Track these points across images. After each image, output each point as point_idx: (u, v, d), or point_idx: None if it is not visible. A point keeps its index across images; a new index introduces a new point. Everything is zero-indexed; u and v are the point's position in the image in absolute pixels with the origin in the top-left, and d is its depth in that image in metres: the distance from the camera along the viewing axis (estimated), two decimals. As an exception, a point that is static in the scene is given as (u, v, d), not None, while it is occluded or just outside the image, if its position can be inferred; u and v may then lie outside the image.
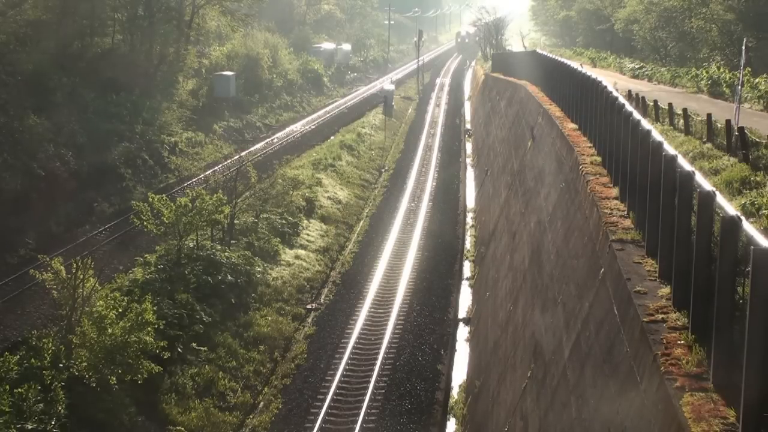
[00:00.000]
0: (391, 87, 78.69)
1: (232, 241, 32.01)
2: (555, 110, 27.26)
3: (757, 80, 27.97)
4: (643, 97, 24.48)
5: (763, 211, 11.56)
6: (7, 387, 17.17)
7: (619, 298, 10.71)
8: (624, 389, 9.34)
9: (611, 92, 17.21)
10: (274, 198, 36.83)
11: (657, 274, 10.50)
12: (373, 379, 24.22)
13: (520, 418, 15.76)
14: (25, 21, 43.45)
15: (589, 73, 22.59)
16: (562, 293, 15.24)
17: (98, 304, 20.90)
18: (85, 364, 19.79)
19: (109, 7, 51.46)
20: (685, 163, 10.05)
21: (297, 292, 31.11)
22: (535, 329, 17.00)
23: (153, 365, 20.60)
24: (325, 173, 47.30)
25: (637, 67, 47.54)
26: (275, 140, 56.54)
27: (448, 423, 23.07)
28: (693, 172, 9.41)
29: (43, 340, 19.96)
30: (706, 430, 6.94)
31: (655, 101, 23.09)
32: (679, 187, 9.22)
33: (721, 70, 33.55)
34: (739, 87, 17.87)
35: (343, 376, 24.56)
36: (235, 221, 33.11)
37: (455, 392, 24.72)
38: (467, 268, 35.11)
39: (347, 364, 25.30)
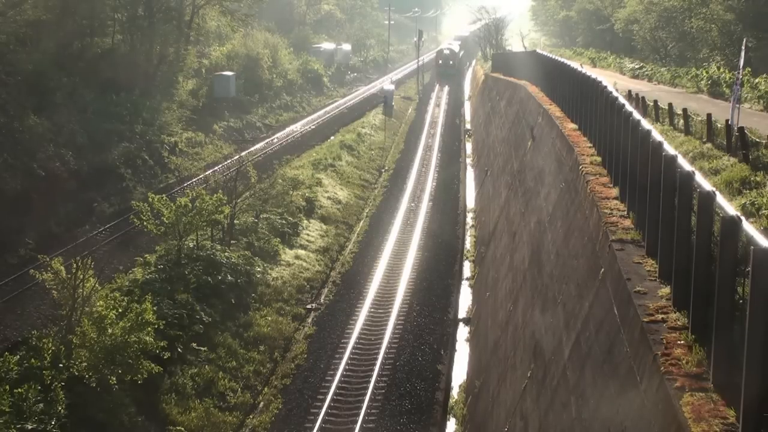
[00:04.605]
0: (391, 87, 78.65)
1: (232, 241, 32.01)
2: (555, 110, 27.27)
3: (757, 80, 27.96)
4: (643, 97, 24.46)
5: (763, 211, 11.55)
6: (7, 387, 17.18)
7: (619, 298, 10.71)
8: (624, 389, 9.34)
9: (611, 92, 17.21)
10: (274, 198, 36.83)
11: (657, 274, 10.50)
12: (373, 379, 24.22)
13: (520, 418, 15.76)
14: (25, 21, 43.42)
15: (589, 73, 22.59)
16: (562, 293, 15.25)
17: (98, 304, 20.90)
18: (85, 364, 19.79)
19: (109, 7, 51.48)
20: (685, 163, 10.05)
21: (297, 292, 31.10)
22: (535, 329, 17.00)
23: (153, 365, 20.60)
24: (325, 173, 47.30)
25: (637, 67, 47.51)
26: (275, 140, 56.55)
27: (448, 423, 23.08)
28: (693, 172, 9.41)
29: (43, 340, 19.97)
30: (706, 430, 6.94)
31: (655, 101, 23.07)
32: (679, 187, 9.22)
33: (721, 70, 33.53)
34: (738, 87, 17.83)
35: (343, 376, 24.56)
36: (235, 221, 33.11)
37: (455, 392, 24.73)
38: (467, 268, 35.11)
39: (347, 364, 25.30)
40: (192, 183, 41.06)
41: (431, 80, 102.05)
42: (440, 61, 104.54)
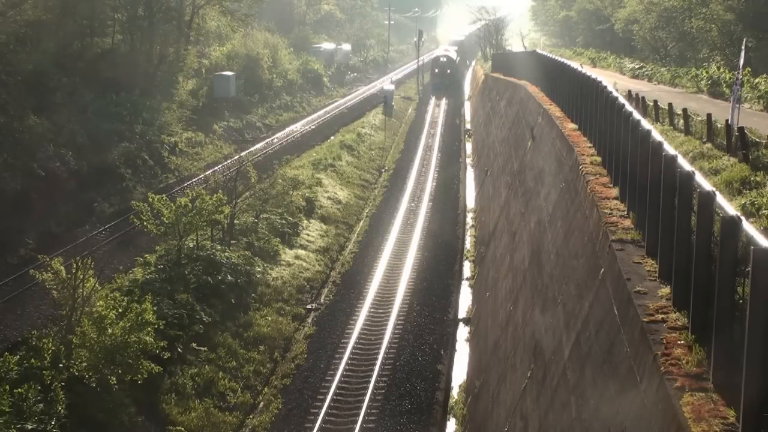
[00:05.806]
0: (391, 87, 78.61)
1: (232, 241, 32.01)
2: (555, 110, 27.27)
3: (757, 80, 27.95)
4: (643, 97, 24.46)
5: (763, 211, 11.55)
6: (7, 387, 17.17)
7: (619, 298, 10.71)
8: (624, 389, 9.34)
9: (611, 92, 17.22)
10: (274, 198, 36.84)
11: (657, 274, 10.50)
12: (373, 379, 24.22)
13: (520, 418, 15.76)
14: (25, 21, 43.43)
15: (589, 73, 22.59)
16: (562, 293, 15.24)
17: (98, 304, 20.89)
18: (85, 364, 19.78)
19: (109, 7, 51.49)
20: (685, 163, 10.05)
21: (297, 292, 31.10)
22: (535, 329, 17.00)
23: (153, 365, 20.59)
24: (325, 173, 47.30)
25: (637, 67, 47.52)
26: (275, 140, 56.55)
27: (448, 423, 23.07)
28: (693, 172, 9.41)
29: (43, 340, 19.97)
30: (706, 430, 6.94)
31: (655, 101, 23.07)
32: (679, 187, 9.22)
33: (721, 70, 33.53)
34: (738, 87, 17.83)
35: (343, 376, 24.56)
36: (235, 221, 33.11)
37: (455, 392, 24.72)
38: (467, 268, 35.10)
39: (347, 364, 25.30)
40: (192, 183, 41.04)
41: (431, 80, 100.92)
42: (436, 70, 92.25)
